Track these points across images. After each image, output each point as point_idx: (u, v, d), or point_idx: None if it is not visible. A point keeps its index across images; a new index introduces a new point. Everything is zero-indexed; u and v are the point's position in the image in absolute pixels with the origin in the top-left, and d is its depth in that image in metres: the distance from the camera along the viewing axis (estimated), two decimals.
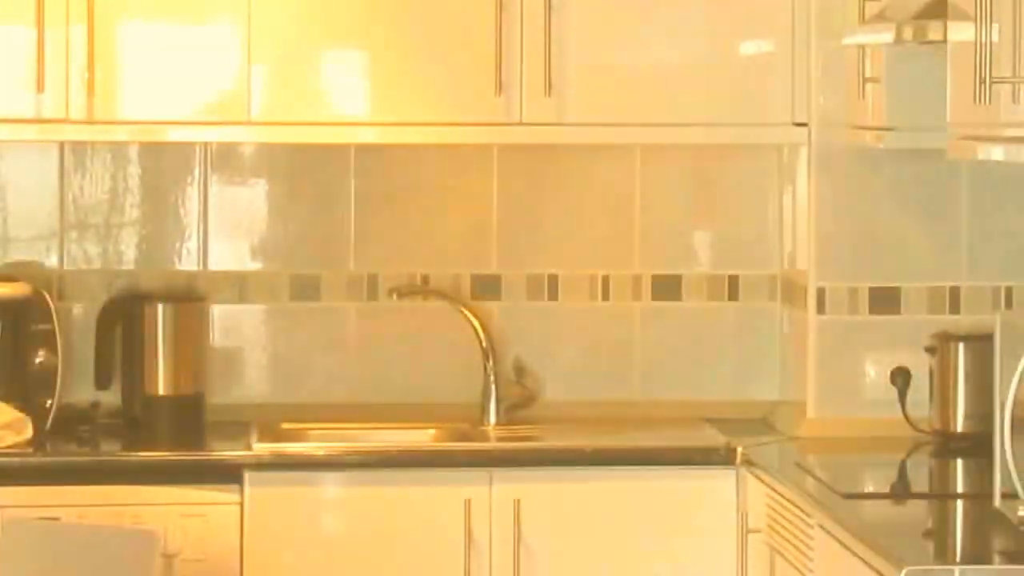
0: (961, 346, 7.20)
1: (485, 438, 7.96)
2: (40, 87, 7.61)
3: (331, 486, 7.53)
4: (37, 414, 7.67)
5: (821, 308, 7.75)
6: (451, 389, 8.12)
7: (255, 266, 8.30)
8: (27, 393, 7.73)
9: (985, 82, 5.73)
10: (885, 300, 7.70)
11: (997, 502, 5.84)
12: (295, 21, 7.74)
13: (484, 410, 8.05)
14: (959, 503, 6.56)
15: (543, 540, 7.42)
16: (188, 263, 8.25)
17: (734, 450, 7.51)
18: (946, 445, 7.24)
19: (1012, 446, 5.69)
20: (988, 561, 5.64)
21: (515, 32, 7.67)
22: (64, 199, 8.20)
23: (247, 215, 8.29)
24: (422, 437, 7.90)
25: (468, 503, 7.42)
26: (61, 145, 8.15)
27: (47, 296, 7.90)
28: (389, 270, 8.23)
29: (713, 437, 7.69)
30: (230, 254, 8.23)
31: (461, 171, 8.23)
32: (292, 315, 8.29)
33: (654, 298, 8.25)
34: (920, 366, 7.42)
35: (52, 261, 8.18)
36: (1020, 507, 5.63)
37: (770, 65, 7.80)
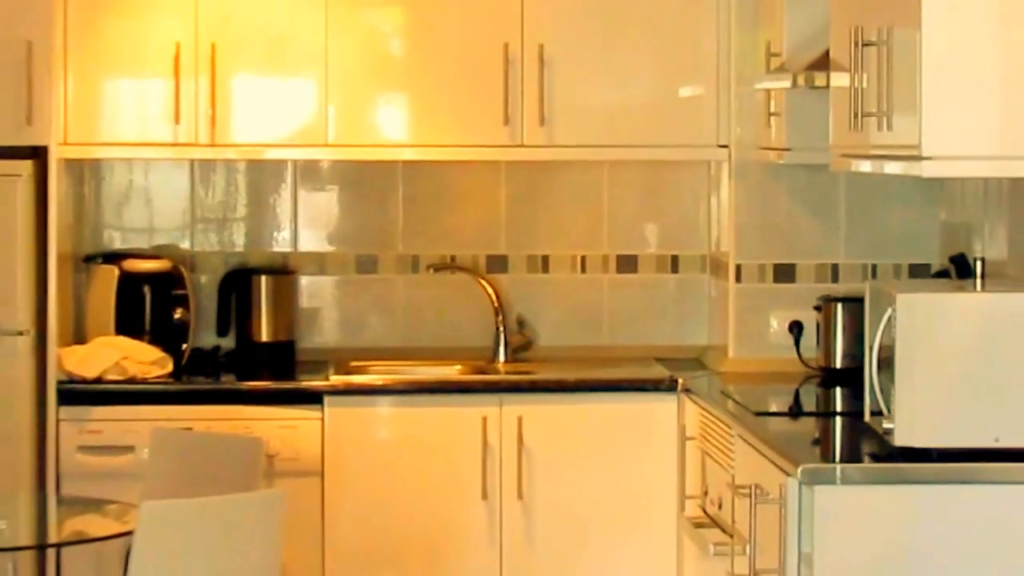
0: (840, 306, 7.33)
1: (496, 372, 8.07)
2: (177, 120, 7.70)
3: (385, 407, 7.68)
4: (176, 355, 7.83)
5: (738, 278, 7.85)
6: (471, 337, 8.25)
7: (330, 248, 8.37)
8: (169, 339, 7.86)
9: (857, 115, 5.87)
10: (784, 273, 7.81)
11: (867, 418, 5.96)
12: (358, 72, 7.84)
13: (495, 352, 8.18)
14: (838, 419, 6.71)
15: (540, 446, 7.54)
16: (283, 246, 8.35)
17: (676, 381, 7.64)
18: (829, 377, 7.35)
19: (877, 378, 5.82)
20: (860, 460, 5.80)
21: (517, 79, 7.77)
22: (194, 200, 8.30)
23: (324, 211, 8.39)
24: (450, 371, 8.02)
25: (484, 419, 7.57)
26: (192, 162, 8.21)
27: (183, 270, 8.04)
28: (427, 251, 8.33)
29: (660, 371, 7.81)
30: (313, 239, 8.33)
31: (478, 180, 8.33)
32: (356, 284, 8.38)
33: (617, 272, 8.33)
34: (810, 320, 7.55)
35: (186, 245, 8.27)
36: (883, 422, 5.76)
37: (701, 103, 7.87)
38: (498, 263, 8.32)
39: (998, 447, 5.57)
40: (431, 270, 8.33)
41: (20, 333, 7.49)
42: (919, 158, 5.51)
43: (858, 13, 6.05)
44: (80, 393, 7.56)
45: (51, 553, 7.11)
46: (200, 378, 7.87)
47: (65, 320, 7.68)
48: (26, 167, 7.49)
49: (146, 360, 7.72)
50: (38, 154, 7.51)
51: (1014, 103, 5.45)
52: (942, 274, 7.18)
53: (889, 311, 5.76)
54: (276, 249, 8.40)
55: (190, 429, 7.25)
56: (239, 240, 8.38)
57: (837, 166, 6.58)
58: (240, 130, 7.87)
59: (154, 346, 7.81)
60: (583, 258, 8.35)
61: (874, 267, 7.66)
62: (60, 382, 7.54)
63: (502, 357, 8.16)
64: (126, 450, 7.40)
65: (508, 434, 7.61)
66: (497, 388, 7.81)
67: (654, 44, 7.89)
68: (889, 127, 5.61)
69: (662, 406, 7.63)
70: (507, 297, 8.23)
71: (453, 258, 8.33)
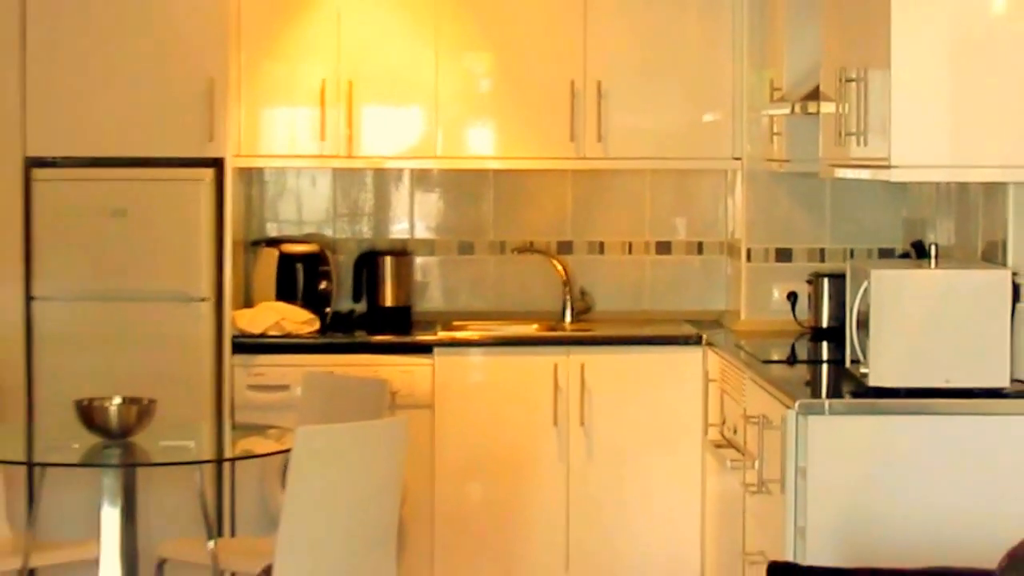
0: (826, 280, 7.32)
1: (563, 330, 8.09)
2: (322, 137, 7.74)
3: (479, 356, 7.71)
4: (321, 316, 7.88)
5: (748, 259, 7.86)
6: (544, 303, 8.26)
7: (438, 236, 8.39)
8: (316, 304, 7.89)
9: (841, 135, 5.88)
10: (783, 255, 7.81)
11: (848, 365, 5.99)
12: (459, 101, 7.89)
13: (562, 315, 8.18)
14: (825, 366, 6.74)
15: (597, 386, 7.58)
16: (402, 234, 8.35)
17: (700, 337, 7.66)
18: (818, 334, 7.34)
19: (855, 334, 5.84)
20: (842, 396, 5.78)
21: (580, 107, 7.78)
22: (334, 199, 8.35)
23: (433, 208, 8.40)
24: (528, 329, 8.02)
25: (555, 365, 7.59)
26: (333, 170, 8.25)
27: (327, 252, 8.07)
28: (511, 238, 8.34)
29: (689, 330, 7.82)
30: (424, 229, 8.35)
31: (550, 184, 8.32)
32: (457, 263, 8.38)
33: (656, 254, 8.34)
34: (803, 291, 7.55)
35: (329, 232, 8.29)
36: (860, 367, 5.79)
37: (720, 126, 7.87)
38: (565, 247, 8.31)
39: (947, 387, 5.60)
40: (514, 252, 8.33)
41: (203, 299, 7.53)
42: (888, 167, 5.54)
43: (842, 56, 6.07)
44: (248, 345, 7.62)
45: (227, 466, 7.24)
46: (339, 334, 7.89)
47: (237, 290, 7.73)
48: (208, 174, 7.54)
49: (299, 320, 7.78)
50: (217, 164, 7.55)
51: (960, 125, 5.48)
52: (905, 256, 7.18)
53: (865, 283, 5.79)
54: (396, 236, 8.39)
55: (332, 372, 7.27)
56: (368, 229, 8.39)
57: (825, 173, 6.60)
58: (369, 145, 7.88)
59: (305, 309, 7.86)
60: (630, 244, 8.35)
61: (852, 251, 7.65)
62: (234, 337, 7.59)
63: (568, 319, 8.15)
64: (283, 388, 7.45)
65: (573, 377, 7.63)
66: (564, 342, 7.87)
67: (684, 80, 7.87)
68: (865, 144, 5.63)
69: (690, 356, 7.64)
70: (572, 273, 8.23)
71: (531, 243, 8.31)
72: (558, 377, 7.62)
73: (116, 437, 6.10)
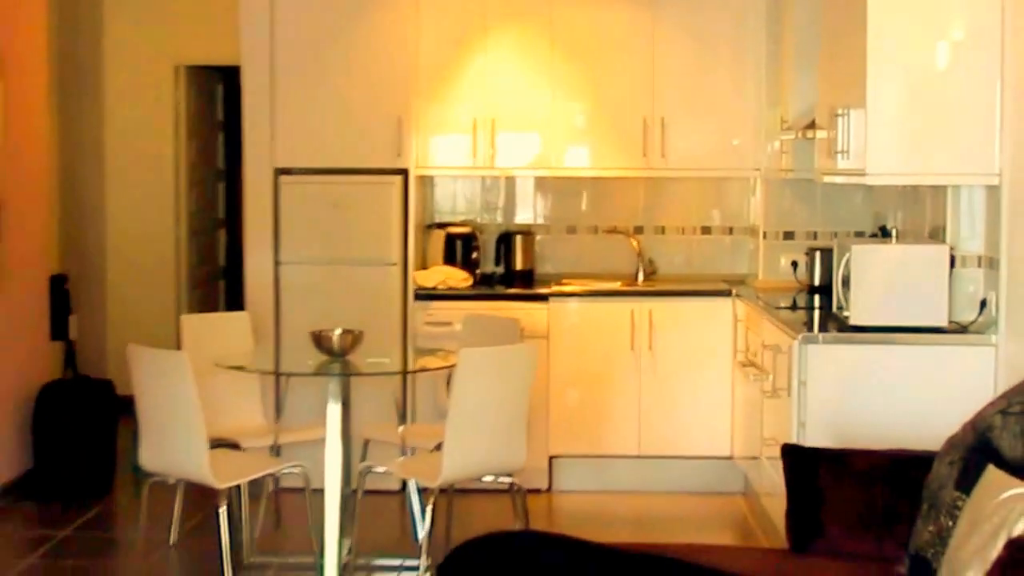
0: (819, 252, 7.24)
1: (637, 286, 7.97)
2: (474, 155, 7.79)
3: (578, 303, 7.72)
4: (473, 275, 7.89)
5: (764, 238, 7.83)
6: (623, 268, 8.15)
7: (551, 222, 8.36)
8: (469, 268, 7.90)
9: (830, 152, 5.87)
10: (788, 235, 7.78)
11: (834, 310, 6.00)
12: (566, 129, 7.88)
13: (636, 276, 8.08)
14: (817, 311, 6.70)
15: (660, 324, 7.57)
16: (527, 220, 8.35)
17: (731, 291, 7.62)
18: (812, 290, 7.24)
19: (840, 289, 5.84)
20: (829, 331, 5.81)
21: (650, 133, 7.76)
22: (481, 197, 8.38)
23: (548, 202, 8.38)
24: (614, 285, 7.91)
25: (632, 311, 7.60)
26: (481, 178, 8.26)
27: (476, 232, 8.11)
28: (601, 223, 8.29)
29: (723, 286, 7.75)
30: (542, 216, 8.35)
31: (629, 187, 8.26)
32: (564, 240, 8.34)
33: (700, 234, 8.29)
34: (802, 260, 7.50)
35: (477, 219, 8.31)
36: (844, 312, 5.80)
37: (745, 147, 7.84)
38: (639, 229, 8.25)
39: (904, 324, 5.64)
40: (603, 232, 8.29)
41: (394, 264, 7.58)
42: (863, 175, 5.57)
43: (831, 98, 6.06)
44: (424, 295, 7.66)
45: (410, 376, 7.30)
46: (485, 287, 7.89)
47: (417, 257, 7.74)
48: (398, 179, 7.58)
49: (458, 278, 7.81)
50: (403, 172, 7.59)
51: (913, 147, 5.53)
52: (874, 235, 7.15)
53: (847, 254, 5.82)
54: (522, 221, 8.38)
55: (481, 314, 7.24)
56: (504, 217, 8.39)
57: (818, 179, 6.55)
58: (504, 160, 7.88)
59: (462, 271, 7.89)
60: (682, 227, 8.29)
61: (836, 232, 7.54)
62: (415, 289, 7.66)
63: (640, 278, 8.06)
64: (448, 324, 7.45)
65: (643, 317, 7.61)
66: (637, 294, 7.80)
67: (720, 116, 7.83)
68: (848, 159, 5.63)
69: (724, 303, 7.60)
70: (643, 247, 8.16)
71: (615, 227, 8.24)
72: (634, 317, 7.61)
73: (337, 356, 6.17)
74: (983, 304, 5.58)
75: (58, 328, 8.19)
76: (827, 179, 6.43)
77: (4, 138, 7.33)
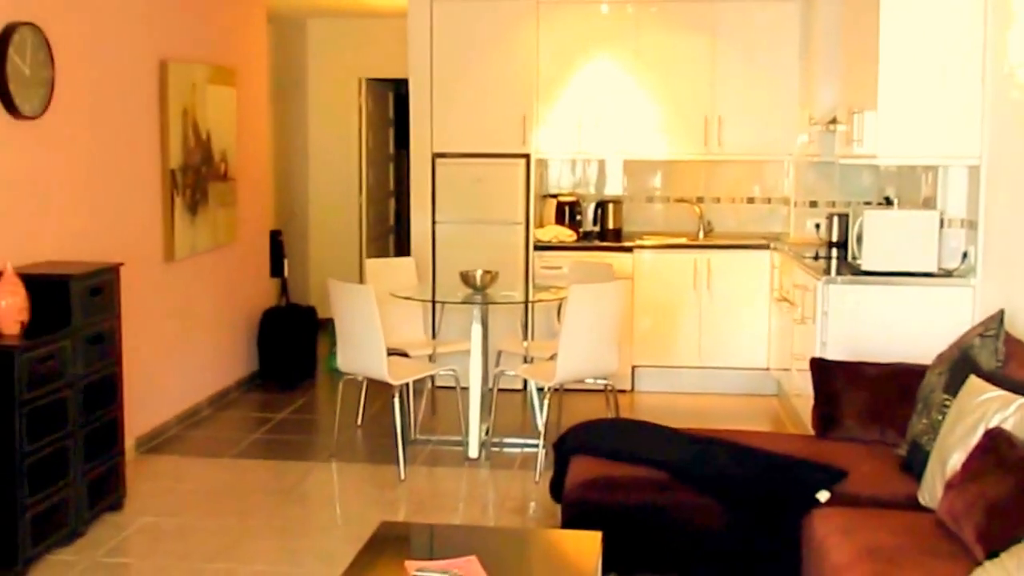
0: (836, 217, 7.07)
1: (698, 241, 7.80)
2: (578, 143, 7.71)
3: (656, 253, 7.57)
4: (577, 232, 7.80)
5: (795, 206, 7.68)
6: (688, 228, 8.01)
7: (633, 193, 8.19)
8: (574, 227, 7.78)
9: (849, 141, 5.78)
10: (813, 203, 7.59)
11: (849, 259, 5.92)
12: (645, 124, 7.72)
13: (698, 234, 7.92)
14: (835, 260, 6.53)
15: (717, 270, 7.48)
16: (616, 191, 8.19)
17: (769, 244, 7.47)
18: (831, 245, 7.03)
19: (855, 244, 5.75)
20: (845, 274, 5.72)
21: (709, 128, 7.62)
22: (583, 173, 8.24)
23: (632, 178, 8.20)
24: (681, 240, 7.73)
25: (695, 260, 7.52)
26: (581, 160, 8.10)
27: (579, 201, 7.98)
28: (671, 194, 8.16)
29: (763, 241, 7.55)
30: (627, 189, 8.20)
31: (692, 167, 8.07)
32: (644, 207, 8.22)
33: (746, 203, 8.10)
34: (824, 223, 7.27)
35: (580, 190, 8.12)
36: (857, 259, 5.72)
37: (782, 136, 7.61)
38: (700, 199, 8.10)
39: (902, 270, 5.55)
40: (673, 201, 8.17)
41: (519, 223, 7.53)
42: (874, 157, 5.47)
43: (849, 99, 5.97)
44: (541, 246, 7.61)
45: (532, 305, 7.23)
46: (586, 241, 7.77)
47: (536, 219, 7.68)
48: (522, 161, 7.51)
49: (566, 235, 7.73)
50: (526, 157, 7.52)
51: (912, 135, 5.40)
52: (880, 204, 7.01)
53: (861, 218, 5.73)
54: (612, 193, 8.23)
55: (583, 260, 7.27)
56: (599, 189, 8.25)
57: (838, 160, 6.50)
58: (600, 148, 7.80)
59: (569, 229, 7.81)
60: (732, 198, 8.12)
61: (849, 202, 7.37)
62: (535, 242, 7.61)
63: (701, 236, 7.92)
64: (559, 268, 7.43)
65: (703, 265, 7.52)
66: (698, 247, 7.65)
67: (763, 114, 7.58)
68: (861, 145, 5.54)
69: (763, 255, 7.46)
70: (703, 212, 8.02)
71: (682, 197, 8.12)
72: (695, 265, 7.52)
73: (479, 290, 6.24)
74: (964, 255, 5.47)
75: (276, 268, 8.32)
76: (844, 161, 6.35)
77: (238, 132, 7.43)
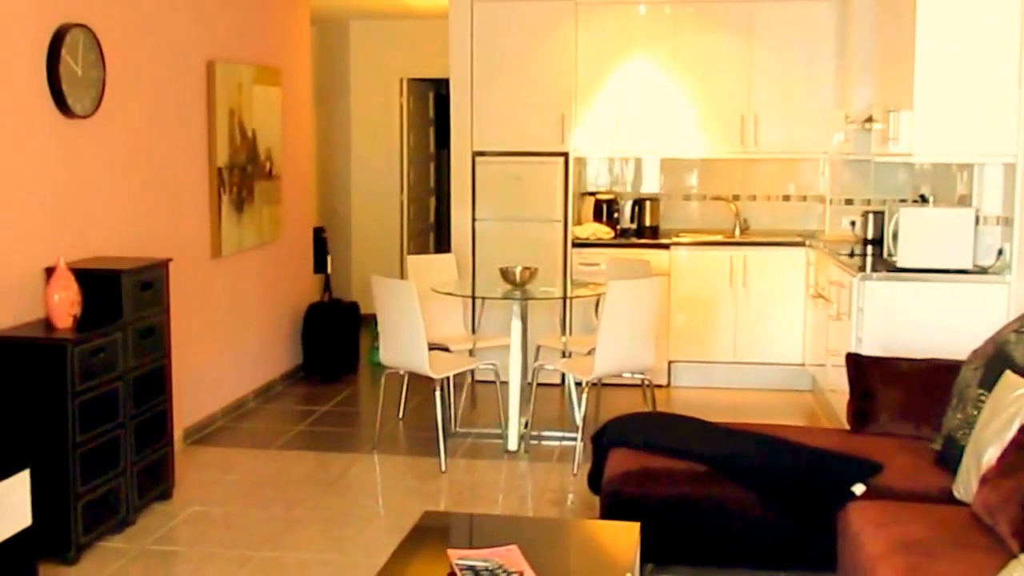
0: (871, 214, 6.98)
1: (734, 238, 7.76)
2: (616, 142, 7.71)
3: (691, 250, 7.56)
4: (615, 229, 7.78)
5: (831, 204, 7.62)
6: (725, 225, 7.97)
7: (670, 191, 8.18)
8: (611, 224, 7.77)
9: (884, 139, 5.75)
10: (848, 201, 7.54)
11: (885, 255, 5.88)
12: (683, 123, 7.70)
13: (734, 231, 7.89)
14: (870, 257, 6.46)
15: (752, 267, 7.44)
16: (652, 189, 8.15)
17: (804, 243, 7.43)
18: (866, 243, 6.95)
19: (891, 241, 5.72)
20: (880, 271, 5.68)
21: (746, 126, 7.60)
22: (620, 172, 8.24)
23: (668, 176, 8.18)
24: (717, 237, 7.67)
25: (731, 257, 7.49)
26: (619, 159, 8.16)
27: (616, 198, 7.95)
28: (708, 192, 8.13)
29: (799, 238, 7.50)
30: (664, 187, 8.18)
31: (729, 165, 8.03)
32: (681, 204, 8.21)
33: (782, 201, 8.07)
34: (859, 221, 7.23)
35: (616, 188, 8.13)
36: (893, 256, 5.69)
37: (817, 136, 7.57)
38: (736, 197, 8.06)
39: (942, 267, 5.54)
40: (710, 199, 8.14)
41: (557, 221, 7.54)
42: (910, 155, 5.44)
43: (885, 98, 5.94)
44: (579, 243, 7.60)
45: (570, 301, 7.25)
46: (623, 239, 7.75)
47: (574, 216, 7.67)
48: (560, 160, 7.51)
49: (604, 232, 7.73)
50: (565, 155, 7.52)
51: (947, 134, 5.37)
52: (915, 202, 6.98)
53: (896, 215, 5.71)
54: (648, 190, 8.19)
55: (620, 257, 7.26)
56: (636, 187, 8.21)
57: (874, 158, 6.47)
58: (634, 146, 7.78)
59: (607, 226, 7.80)
60: (768, 195, 8.08)
61: (884, 200, 7.32)
62: (572, 239, 7.60)
63: (737, 233, 7.88)
64: (596, 264, 7.46)
65: (739, 262, 7.49)
66: (735, 244, 7.62)
67: (799, 113, 7.53)
68: (897, 143, 5.52)
69: (799, 251, 7.42)
70: (739, 210, 7.98)
71: (718, 195, 8.10)
72: (732, 262, 7.49)
73: (518, 286, 6.24)
74: (1000, 252, 5.45)
75: (319, 264, 8.37)
76: (880, 159, 6.32)
77: (282, 131, 7.48)
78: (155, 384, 5.06)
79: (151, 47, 5.74)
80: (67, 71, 4.84)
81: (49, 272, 4.63)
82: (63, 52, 4.79)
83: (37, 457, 4.19)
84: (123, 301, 4.78)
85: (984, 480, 3.49)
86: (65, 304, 4.53)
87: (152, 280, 5.04)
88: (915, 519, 3.54)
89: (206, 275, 6.42)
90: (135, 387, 4.87)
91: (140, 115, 5.63)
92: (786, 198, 8.12)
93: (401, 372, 6.17)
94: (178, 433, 5.90)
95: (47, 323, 4.56)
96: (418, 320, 5.69)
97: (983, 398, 3.93)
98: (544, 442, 6.29)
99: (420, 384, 6.55)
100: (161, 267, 5.14)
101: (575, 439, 5.91)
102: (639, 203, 8.04)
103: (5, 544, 3.67)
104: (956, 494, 3.80)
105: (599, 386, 6.73)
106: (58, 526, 4.40)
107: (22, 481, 3.81)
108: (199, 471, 5.69)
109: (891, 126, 5.59)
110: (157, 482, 5.13)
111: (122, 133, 5.44)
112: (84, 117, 5.03)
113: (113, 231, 5.35)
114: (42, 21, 4.72)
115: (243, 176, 6.82)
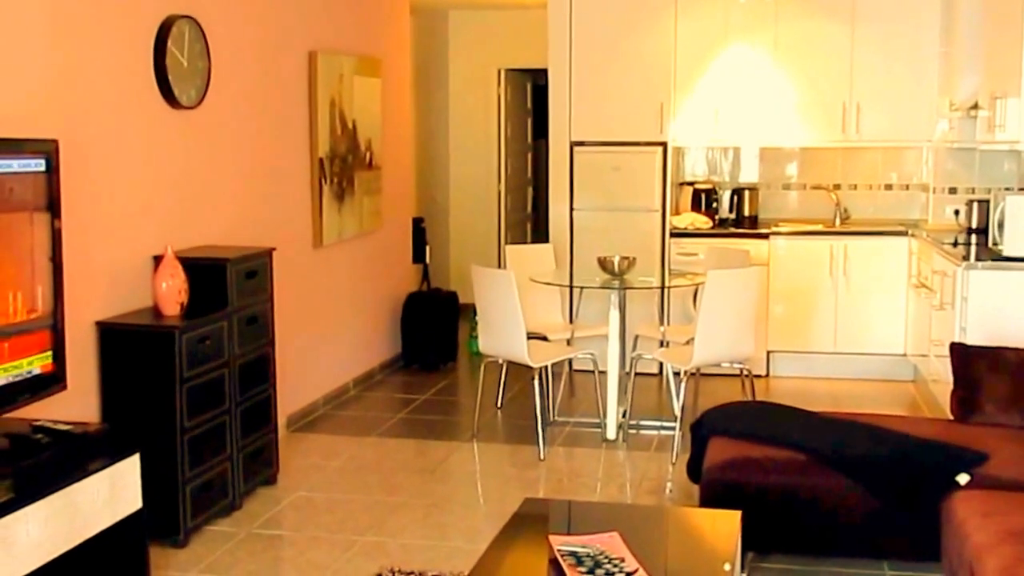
0: (976, 203, 6.94)
1: (835, 228, 7.66)
2: (715, 131, 7.67)
3: (791, 240, 7.46)
4: (713, 219, 7.68)
5: (934, 193, 7.51)
6: (825, 214, 7.89)
7: (768, 180, 8.11)
8: (710, 213, 7.67)
9: (990, 127, 5.64)
10: (952, 190, 7.41)
11: (990, 244, 5.77)
12: (783, 113, 7.62)
13: (835, 220, 7.79)
14: (974, 246, 6.31)
15: (853, 256, 7.37)
16: (750, 178, 8.14)
17: (907, 231, 7.32)
18: (970, 231, 6.89)
19: (996, 229, 5.61)
20: (985, 260, 5.57)
21: (847, 115, 7.50)
22: (718, 161, 8.20)
23: (767, 166, 8.12)
24: (818, 227, 7.61)
25: (831, 247, 7.41)
26: (715, 148, 8.11)
27: (715, 188, 7.86)
28: (809, 181, 8.05)
29: (902, 228, 7.39)
30: (762, 176, 8.13)
31: (830, 154, 7.96)
32: (779, 194, 8.13)
33: (884, 190, 7.95)
34: (963, 209, 7.15)
35: (715, 178, 8.09)
36: (999, 245, 5.59)
37: (922, 123, 7.42)
38: (837, 186, 7.97)
39: None
40: (809, 188, 8.04)
41: (656, 211, 7.51)
42: (1017, 143, 5.32)
43: (991, 85, 5.82)
44: (677, 233, 7.57)
45: (668, 290, 7.17)
46: (722, 228, 7.69)
47: (672, 206, 7.62)
48: (659, 149, 7.47)
49: (702, 221, 7.68)
50: (663, 145, 7.47)
51: None
52: (1021, 190, 6.83)
53: (1002, 203, 5.59)
54: (746, 180, 8.12)
55: (718, 247, 7.21)
56: (735, 177, 8.15)
57: (979, 146, 6.34)
58: (732, 136, 7.71)
59: (705, 216, 7.76)
60: (870, 184, 7.97)
61: (989, 189, 7.18)
62: (671, 229, 7.56)
63: (837, 222, 7.79)
64: (695, 255, 7.42)
65: (839, 252, 7.40)
66: (835, 234, 7.52)
67: (903, 101, 7.39)
68: (1004, 131, 5.41)
69: (901, 241, 7.31)
70: (840, 199, 7.88)
71: (819, 184, 8.01)
72: (832, 251, 7.41)
73: (616, 275, 6.24)
74: None
75: (418, 254, 8.46)
76: (985, 147, 6.21)
77: (382, 121, 7.56)
78: (259, 371, 5.16)
79: (255, 38, 5.84)
80: (173, 62, 4.90)
81: (157, 260, 4.70)
82: (169, 43, 4.85)
83: (147, 442, 4.25)
84: (228, 289, 4.85)
85: None
86: (173, 292, 4.60)
87: (256, 269, 5.13)
88: (1021, 509, 3.48)
89: (308, 264, 6.53)
90: (240, 374, 4.96)
91: (244, 106, 5.73)
92: (888, 187, 7.98)
93: (500, 361, 6.21)
94: (281, 420, 6.00)
95: (155, 310, 4.63)
96: (517, 309, 5.72)
97: None
98: (642, 431, 6.28)
99: (518, 373, 6.59)
100: (265, 256, 5.22)
101: (673, 428, 5.89)
102: (738, 192, 7.98)
103: (117, 526, 3.75)
104: None
105: (697, 375, 6.71)
106: (167, 510, 4.47)
107: (133, 465, 3.88)
108: (302, 457, 5.80)
109: (997, 113, 5.48)
110: (262, 467, 5.23)
111: (226, 123, 5.54)
112: (190, 108, 5.11)
113: (218, 220, 5.46)
114: (149, 13, 4.79)
115: (344, 166, 6.91)
